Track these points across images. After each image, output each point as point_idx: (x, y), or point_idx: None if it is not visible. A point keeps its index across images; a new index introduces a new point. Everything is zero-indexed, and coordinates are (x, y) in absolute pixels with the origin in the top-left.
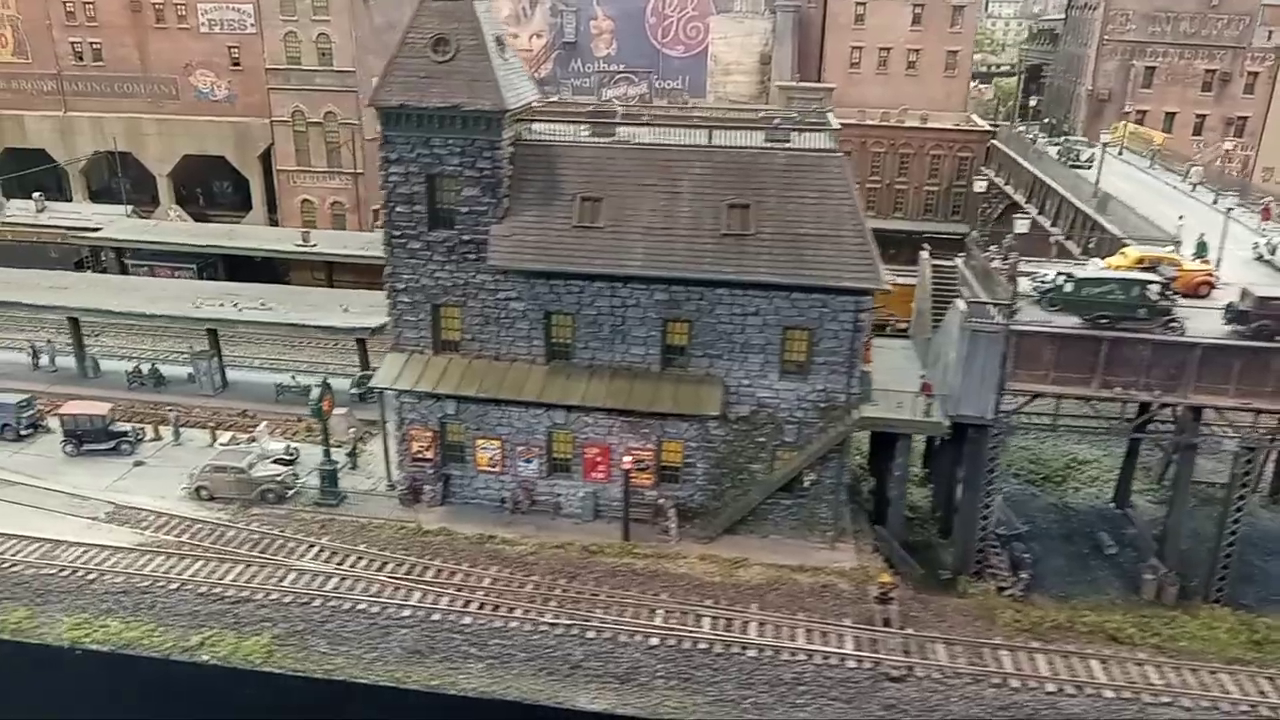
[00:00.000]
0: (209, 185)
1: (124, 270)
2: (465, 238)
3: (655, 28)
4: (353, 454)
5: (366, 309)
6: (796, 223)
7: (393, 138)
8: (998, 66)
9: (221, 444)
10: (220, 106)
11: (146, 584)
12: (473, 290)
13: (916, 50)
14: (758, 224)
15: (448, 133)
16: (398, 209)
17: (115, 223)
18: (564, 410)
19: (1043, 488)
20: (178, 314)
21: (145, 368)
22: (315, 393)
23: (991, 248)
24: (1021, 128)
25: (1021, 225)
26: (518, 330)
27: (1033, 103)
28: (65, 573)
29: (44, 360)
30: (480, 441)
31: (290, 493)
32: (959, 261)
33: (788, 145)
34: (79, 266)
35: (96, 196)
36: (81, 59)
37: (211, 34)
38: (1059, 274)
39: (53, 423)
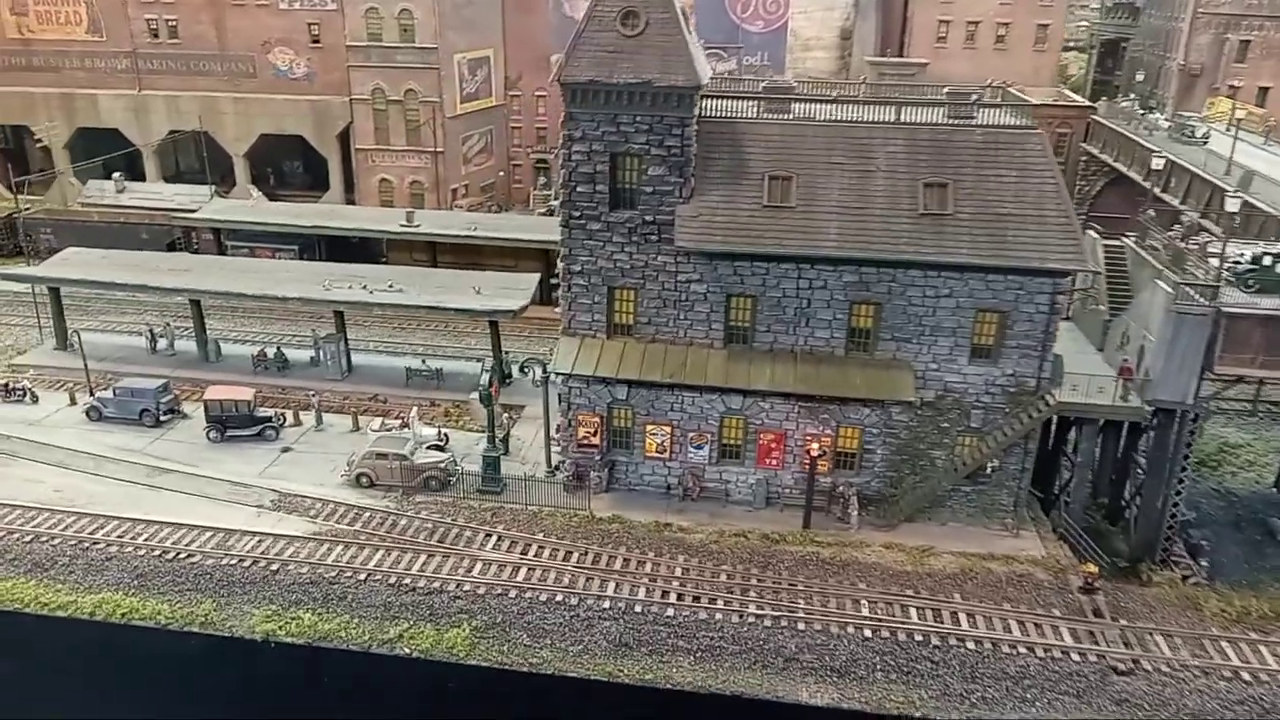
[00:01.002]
0: (279, 165)
1: (222, 251)
2: (648, 218)
3: (734, 3)
4: (505, 439)
5: (497, 291)
6: (996, 202)
7: (577, 115)
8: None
9: (373, 430)
10: (299, 85)
11: (333, 574)
12: (652, 272)
13: (1006, 24)
14: (955, 203)
15: (636, 110)
16: (578, 189)
17: (211, 203)
18: (740, 395)
19: (1198, 473)
20: (311, 296)
21: (270, 351)
22: (484, 378)
23: (1175, 227)
24: (1125, 103)
25: (1232, 204)
26: (697, 313)
27: (1139, 78)
28: (246, 563)
29: (162, 344)
30: (650, 427)
31: (453, 480)
32: (1129, 241)
33: (983, 122)
34: (171, 248)
35: (175, 177)
36: (157, 36)
37: (291, 10)
38: (1264, 253)
39: (189, 407)
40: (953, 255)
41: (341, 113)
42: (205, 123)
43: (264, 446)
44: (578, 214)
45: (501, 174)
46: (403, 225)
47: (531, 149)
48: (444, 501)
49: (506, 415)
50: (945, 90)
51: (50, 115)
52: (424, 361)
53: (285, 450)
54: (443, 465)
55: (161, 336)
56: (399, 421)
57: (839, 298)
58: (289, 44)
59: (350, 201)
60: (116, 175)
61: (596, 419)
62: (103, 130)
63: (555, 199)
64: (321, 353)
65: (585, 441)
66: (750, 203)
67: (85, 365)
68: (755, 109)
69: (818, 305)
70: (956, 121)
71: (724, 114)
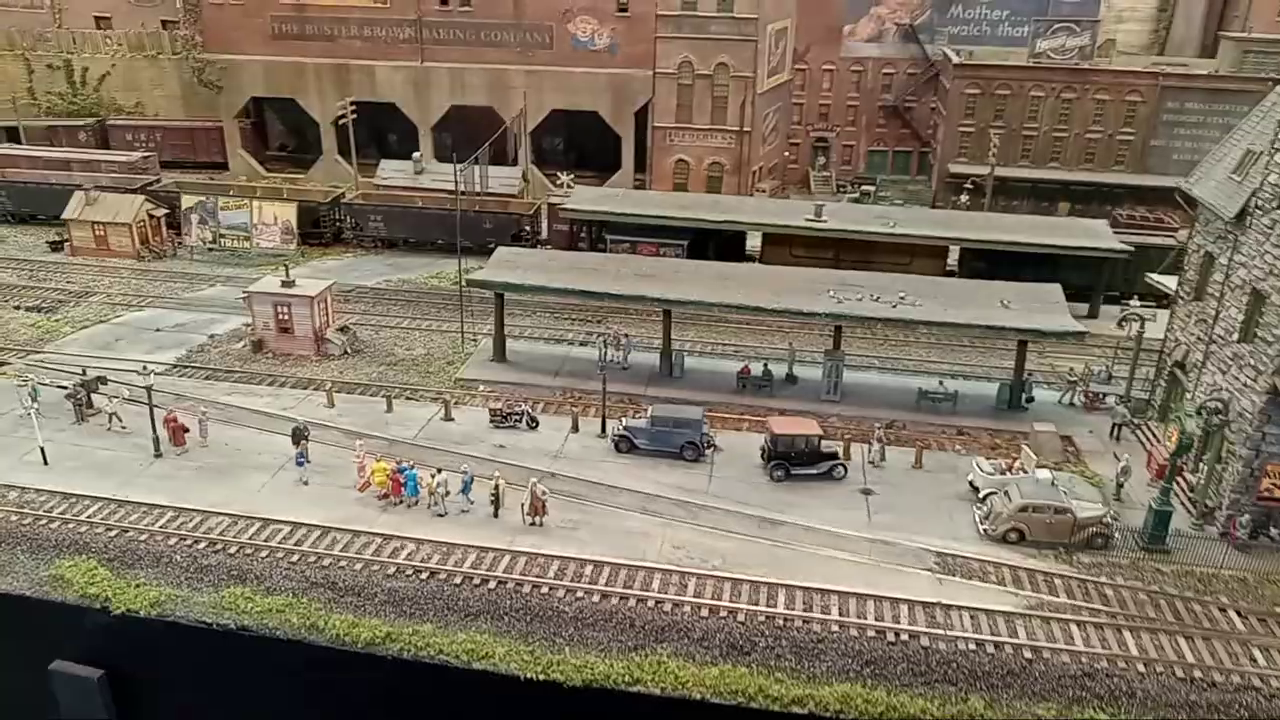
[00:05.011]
0: (538, 142)
1: (592, 245)
2: None
3: None
4: (1119, 485)
5: (1023, 303)
6: None
7: None
8: None
9: (983, 470)
10: (598, 57)
11: (1102, 664)
12: None
13: None
14: None
15: None
16: None
17: (579, 192)
18: None
19: None
20: (840, 312)
21: (756, 368)
22: (1190, 424)
23: None
24: None
25: None
26: None
27: None
28: (988, 648)
29: (611, 355)
30: None
31: (1114, 535)
32: None
33: None
34: (516, 239)
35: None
36: (446, 3)
37: None
38: None
39: (717, 438)
40: None
41: (643, 88)
42: (490, 97)
43: (838, 488)
44: None
45: (786, 154)
46: (809, 219)
47: (812, 127)
48: (1120, 564)
49: (1126, 457)
50: None
51: (321, 87)
52: (941, 382)
53: (866, 493)
54: (1105, 519)
55: (613, 347)
56: (1010, 461)
57: None
58: (593, 13)
59: (640, 183)
60: (416, 155)
61: None
62: (378, 105)
63: (856, 182)
64: (822, 371)
65: (1268, 495)
66: None
67: (604, 389)
68: None
69: None
70: None
71: None
